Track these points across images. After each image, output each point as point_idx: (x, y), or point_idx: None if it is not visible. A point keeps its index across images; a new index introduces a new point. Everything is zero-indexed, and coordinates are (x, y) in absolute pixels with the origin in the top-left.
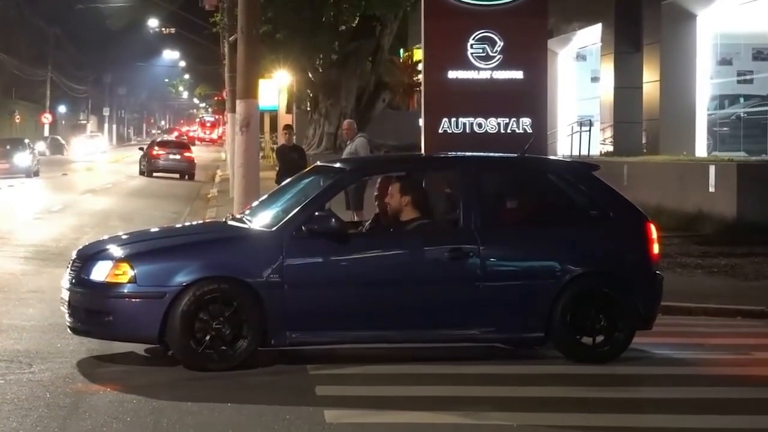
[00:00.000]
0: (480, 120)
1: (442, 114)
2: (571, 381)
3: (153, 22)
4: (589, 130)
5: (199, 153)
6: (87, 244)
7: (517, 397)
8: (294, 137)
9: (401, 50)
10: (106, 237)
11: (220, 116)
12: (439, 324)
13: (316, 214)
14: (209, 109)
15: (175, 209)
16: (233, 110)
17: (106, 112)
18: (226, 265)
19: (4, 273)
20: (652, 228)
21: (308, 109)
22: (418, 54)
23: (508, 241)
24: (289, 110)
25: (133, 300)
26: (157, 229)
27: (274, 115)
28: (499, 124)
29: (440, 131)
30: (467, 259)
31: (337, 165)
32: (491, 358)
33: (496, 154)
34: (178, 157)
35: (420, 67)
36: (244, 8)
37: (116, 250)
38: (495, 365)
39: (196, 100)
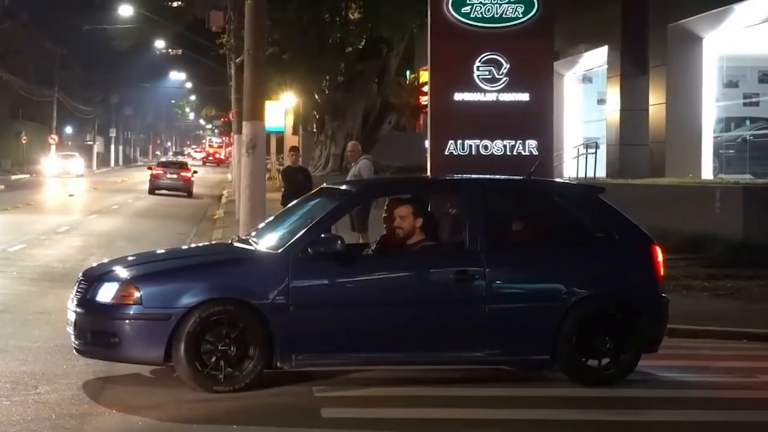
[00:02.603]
0: (486, 142)
1: (448, 136)
2: (577, 403)
3: (160, 43)
4: (595, 153)
5: (205, 174)
6: (94, 265)
7: (524, 419)
8: (300, 159)
9: (408, 72)
10: (112, 258)
11: (226, 137)
12: (444, 346)
13: (322, 236)
14: (216, 131)
15: (181, 230)
16: (240, 131)
17: (112, 132)
18: (231, 287)
19: (10, 294)
20: (658, 250)
21: (314, 130)
22: (425, 75)
23: (513, 264)
24: (295, 132)
25: (139, 321)
26: (163, 251)
27: (280, 137)
28: (505, 146)
29: (446, 153)
30: (473, 281)
31: (343, 187)
32: (499, 380)
33: (502, 176)
34: (175, 176)
35: (426, 88)
36: (251, 30)
37: (122, 272)
38: (503, 387)
39: (202, 121)
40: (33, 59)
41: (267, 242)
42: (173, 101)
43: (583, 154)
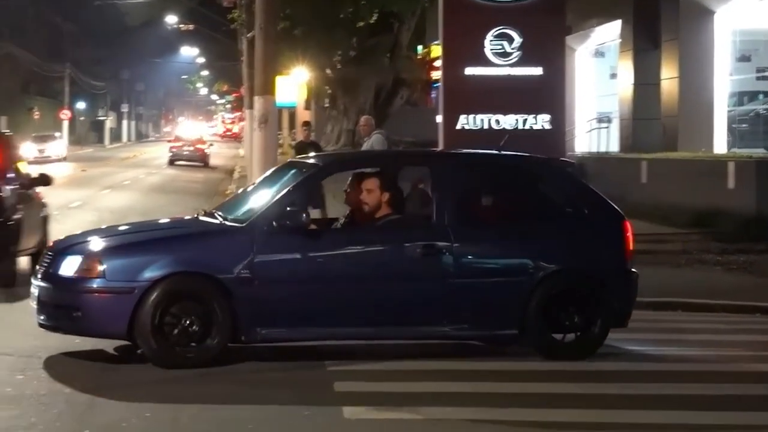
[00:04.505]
0: (498, 116)
1: (459, 111)
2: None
3: (171, 19)
4: (608, 127)
5: (219, 150)
6: (60, 238)
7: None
8: (312, 133)
9: (419, 47)
10: (80, 232)
11: (239, 112)
12: (411, 321)
13: (288, 209)
14: (227, 106)
15: (194, 205)
16: (251, 107)
17: (124, 108)
18: (195, 261)
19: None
20: (628, 225)
21: (327, 105)
22: (436, 50)
23: (481, 238)
24: (307, 107)
25: (102, 295)
26: (130, 224)
27: (292, 112)
28: (517, 120)
29: (458, 128)
30: (440, 255)
31: (311, 161)
32: (511, 354)
33: (471, 150)
34: (192, 148)
35: (437, 63)
36: (262, 5)
37: (87, 245)
38: (513, 361)
39: (214, 97)
40: (44, 35)
41: (233, 216)
42: (185, 77)
43: (595, 128)
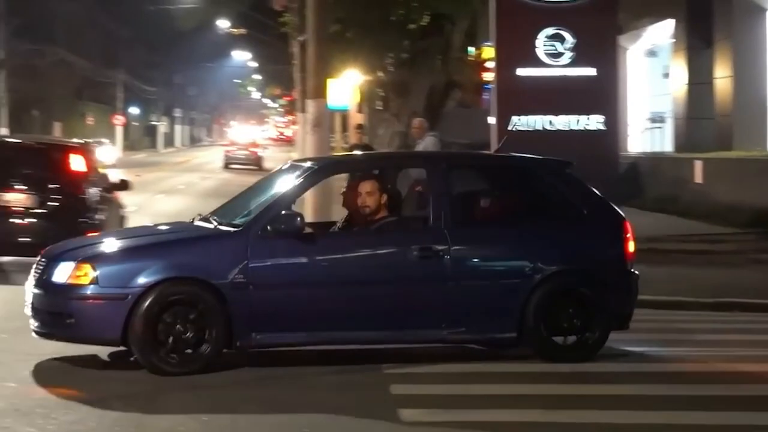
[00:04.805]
0: (551, 117)
1: (512, 112)
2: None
3: (222, 23)
4: (662, 127)
5: (272, 153)
6: (54, 244)
7: (598, 395)
8: (365, 136)
9: (471, 48)
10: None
11: (291, 116)
12: (408, 324)
13: (282, 213)
14: (279, 109)
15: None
16: (303, 110)
17: (177, 112)
18: (189, 266)
19: None
20: (628, 226)
21: (378, 108)
22: (488, 52)
23: (479, 240)
24: (360, 109)
25: (95, 302)
26: (124, 229)
27: (344, 115)
28: (570, 121)
29: (510, 129)
30: (437, 258)
31: (308, 163)
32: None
33: (468, 152)
34: (246, 151)
35: (489, 64)
36: (314, 8)
37: (79, 251)
38: (571, 364)
39: (266, 101)
40: (98, 41)
41: (228, 220)
42: (237, 81)
43: (649, 128)
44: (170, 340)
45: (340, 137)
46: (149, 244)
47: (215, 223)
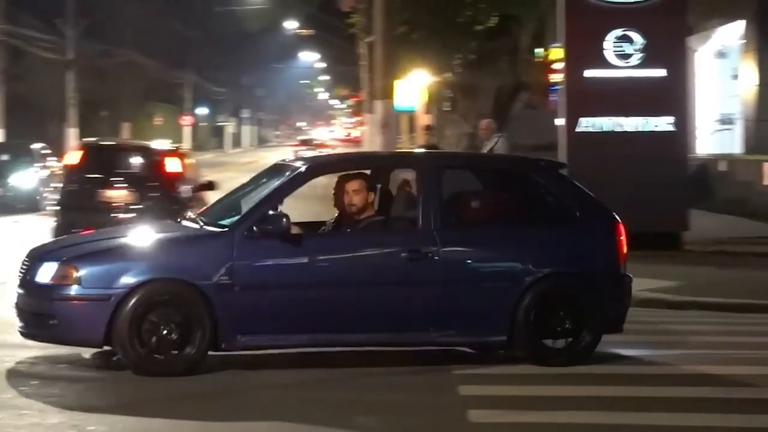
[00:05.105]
0: (620, 119)
1: (580, 113)
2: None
3: (290, 24)
4: (731, 129)
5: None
6: (39, 244)
7: (660, 397)
8: (433, 138)
9: (539, 49)
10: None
11: (358, 117)
12: (396, 327)
13: (269, 213)
14: (347, 110)
15: (316, 209)
16: (371, 111)
17: (245, 113)
18: (174, 267)
19: None
20: (622, 229)
21: (446, 109)
22: (555, 53)
23: (469, 242)
24: (428, 110)
25: (78, 303)
26: (109, 229)
27: (412, 116)
28: (639, 122)
29: (578, 130)
30: (426, 260)
31: (296, 163)
32: (635, 359)
33: (458, 152)
34: (315, 152)
35: (556, 66)
36: (381, 9)
37: (62, 252)
38: (637, 365)
39: (333, 102)
40: (166, 42)
41: (214, 220)
42: (305, 81)
43: (718, 130)
44: (154, 341)
45: (407, 138)
46: (133, 245)
47: (201, 224)
